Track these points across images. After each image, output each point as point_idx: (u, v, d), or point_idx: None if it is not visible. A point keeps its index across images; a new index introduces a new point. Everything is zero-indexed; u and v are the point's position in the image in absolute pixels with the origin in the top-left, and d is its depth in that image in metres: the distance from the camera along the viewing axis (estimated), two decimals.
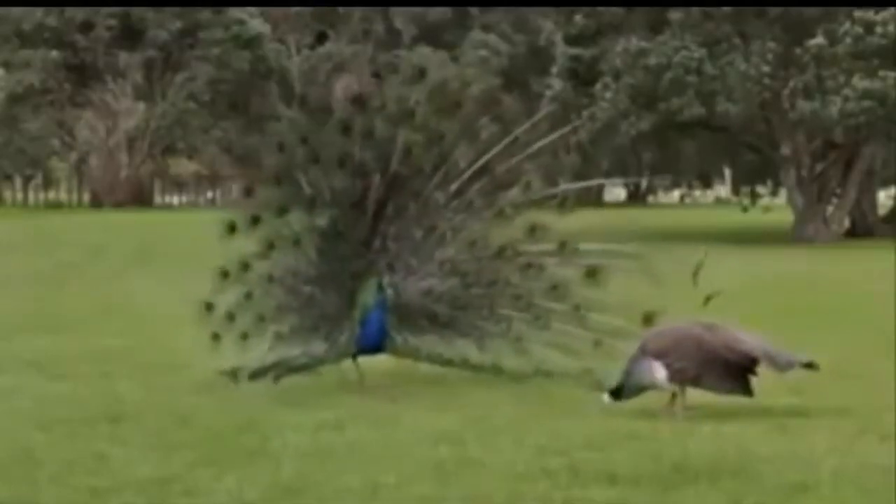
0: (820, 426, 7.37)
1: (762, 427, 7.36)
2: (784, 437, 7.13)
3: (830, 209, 35.12)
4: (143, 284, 18.22)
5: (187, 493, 5.94)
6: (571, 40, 35.68)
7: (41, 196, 77.82)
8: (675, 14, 32.18)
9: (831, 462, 6.38)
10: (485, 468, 6.37)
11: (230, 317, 9.16)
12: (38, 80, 61.34)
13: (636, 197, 76.18)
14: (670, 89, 31.48)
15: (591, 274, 9.19)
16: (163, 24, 62.93)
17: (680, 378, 7.78)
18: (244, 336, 9.17)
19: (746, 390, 7.79)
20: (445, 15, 70.64)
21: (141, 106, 62.14)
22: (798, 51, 30.91)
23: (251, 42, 64.14)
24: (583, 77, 34.46)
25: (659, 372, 7.79)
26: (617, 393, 7.89)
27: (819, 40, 30.31)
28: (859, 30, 29.95)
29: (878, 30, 29.89)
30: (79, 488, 6.04)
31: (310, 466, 6.43)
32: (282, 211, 9.31)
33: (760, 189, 63.29)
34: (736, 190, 70.71)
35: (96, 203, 62.99)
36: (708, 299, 9.70)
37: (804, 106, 30.58)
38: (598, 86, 33.05)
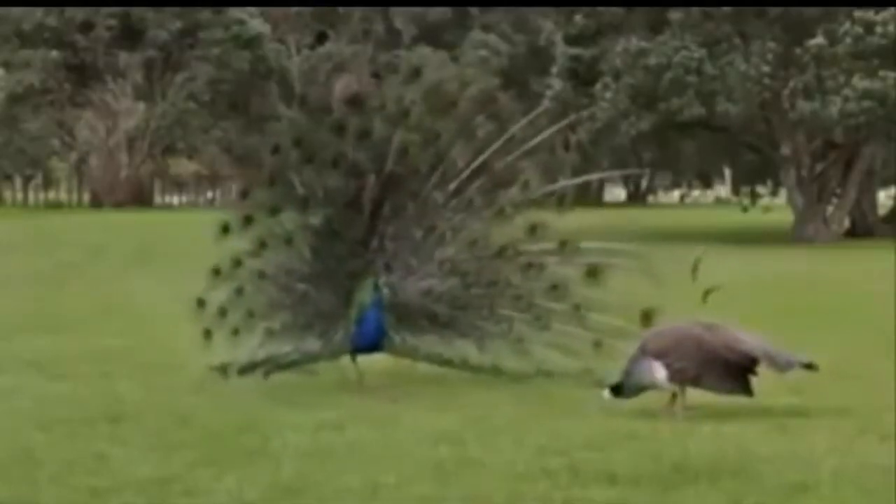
0: (820, 426, 7.37)
1: (762, 427, 7.36)
2: (784, 437, 7.13)
3: (830, 209, 35.12)
4: (143, 284, 18.21)
5: (187, 493, 5.94)
6: (571, 40, 35.69)
7: (41, 196, 77.81)
8: (675, 14, 32.18)
9: (831, 462, 6.38)
10: (485, 468, 6.37)
11: (222, 313, 9.21)
12: (38, 80, 61.34)
13: (636, 197, 76.20)
14: (670, 89, 31.48)
15: (592, 273, 9.18)
16: (163, 24, 62.93)
17: (680, 378, 7.78)
18: (235, 332, 9.21)
19: (746, 390, 7.79)
20: (445, 15, 70.65)
21: (141, 106, 62.14)
22: (798, 51, 30.91)
23: (251, 42, 64.14)
24: (583, 77, 34.46)
25: (659, 372, 7.79)
26: (617, 389, 7.90)
27: (819, 40, 30.32)
28: (859, 30, 29.95)
29: (878, 30, 29.89)
30: (79, 488, 6.04)
31: (310, 466, 6.43)
32: (274, 211, 9.35)
33: (760, 189, 63.36)
34: (736, 190, 70.77)
35: (96, 203, 62.99)
36: (707, 293, 9.70)
37: (804, 106, 30.59)
38: (598, 86, 33.05)
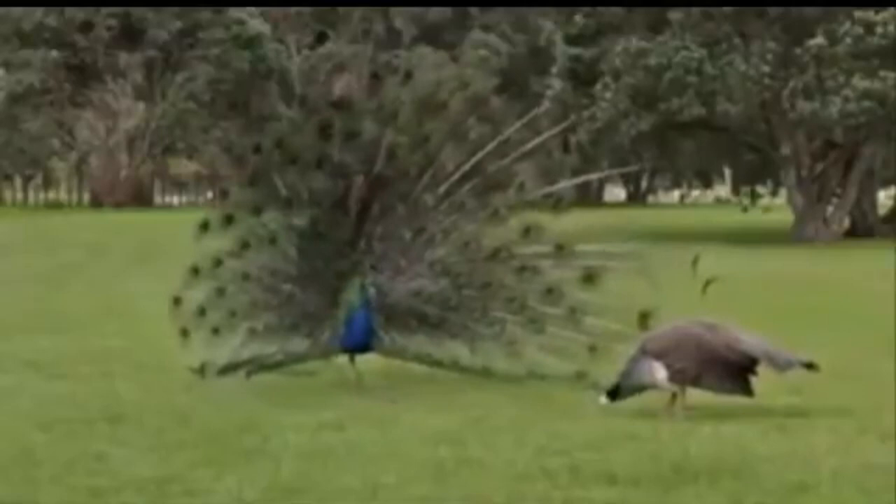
0: (820, 426, 7.37)
1: (762, 427, 7.36)
2: (784, 437, 7.13)
3: (830, 209, 35.11)
4: (142, 284, 18.20)
5: (187, 493, 5.95)
6: (571, 40, 35.69)
7: (41, 196, 77.80)
8: (675, 14, 32.18)
9: (831, 462, 6.38)
10: (485, 468, 6.37)
11: (201, 312, 9.25)
12: (38, 80, 61.30)
13: (636, 197, 76.18)
14: (670, 89, 31.48)
15: (589, 278, 9.14)
16: (163, 24, 62.90)
17: (680, 378, 7.78)
18: (215, 331, 9.24)
19: (746, 390, 7.79)
20: (445, 15, 70.60)
21: (141, 106, 62.10)
22: (798, 51, 30.90)
23: (251, 42, 64.10)
24: (583, 77, 34.46)
25: (659, 372, 7.79)
26: (614, 394, 7.90)
27: (819, 40, 30.31)
28: (859, 30, 29.95)
29: (878, 30, 29.89)
30: (79, 488, 6.04)
31: (310, 466, 6.43)
32: (256, 210, 9.38)
33: (760, 189, 63.36)
34: (736, 190, 70.76)
35: (96, 203, 62.96)
36: (707, 284, 9.68)
37: (804, 106, 30.58)
38: (598, 86, 33.05)
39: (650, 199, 79.46)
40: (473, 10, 70.25)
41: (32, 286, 18.60)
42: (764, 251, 28.56)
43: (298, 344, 9.37)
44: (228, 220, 9.37)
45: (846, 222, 36.06)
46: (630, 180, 76.80)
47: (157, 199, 74.13)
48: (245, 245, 9.35)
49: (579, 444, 6.86)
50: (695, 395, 7.86)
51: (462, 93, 9.79)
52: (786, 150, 33.84)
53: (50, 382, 9.34)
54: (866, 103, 29.61)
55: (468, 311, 9.34)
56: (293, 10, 68.59)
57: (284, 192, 9.32)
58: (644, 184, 77.51)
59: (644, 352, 7.90)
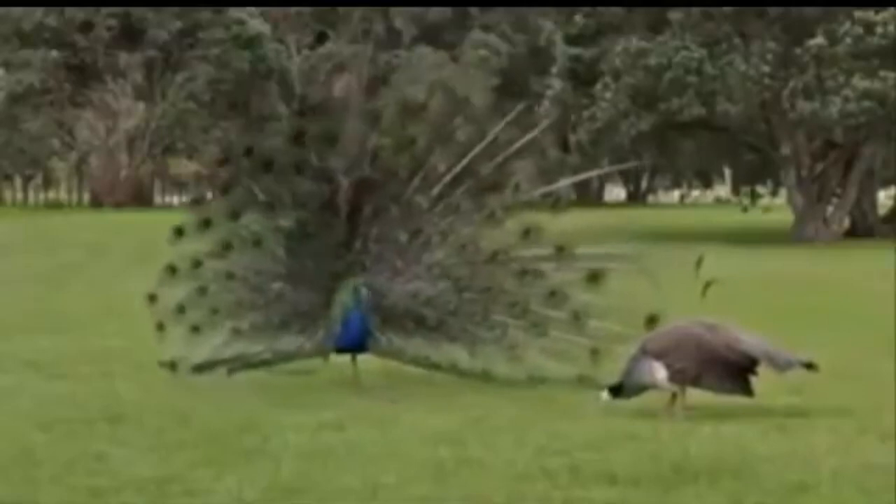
0: (820, 426, 7.37)
1: (762, 427, 7.36)
2: (784, 437, 7.13)
3: (830, 209, 35.11)
4: (142, 284, 18.17)
5: (187, 493, 5.94)
6: (571, 40, 35.69)
7: (41, 196, 77.77)
8: (675, 14, 32.18)
9: (831, 462, 6.38)
10: (485, 468, 6.37)
11: (180, 309, 9.36)
12: (38, 80, 61.27)
13: (636, 197, 76.17)
14: (670, 89, 31.48)
15: (593, 279, 9.11)
16: (163, 24, 62.87)
17: (680, 378, 7.78)
18: (195, 329, 9.34)
19: (746, 390, 7.79)
20: (445, 15, 70.56)
21: (141, 106, 62.08)
22: (798, 51, 30.90)
23: (251, 42, 64.07)
24: (583, 77, 34.46)
25: (659, 372, 7.79)
26: (616, 391, 7.89)
27: (819, 40, 30.31)
28: (859, 30, 29.95)
29: (878, 30, 29.89)
30: (79, 488, 6.04)
31: (310, 466, 6.43)
32: (234, 215, 9.46)
33: (760, 189, 63.32)
34: (736, 190, 70.70)
35: (96, 203, 62.93)
36: (707, 286, 9.67)
37: (804, 106, 30.58)
38: (598, 86, 33.04)
39: (650, 199, 79.44)
40: (473, 10, 70.21)
41: (32, 286, 18.60)
42: (764, 251, 28.55)
43: (289, 342, 9.42)
44: (206, 223, 9.46)
45: (846, 222, 36.05)
46: (630, 180, 76.79)
47: (157, 199, 74.11)
48: (227, 246, 9.42)
49: (579, 444, 6.86)
50: (695, 395, 7.86)
51: (447, 94, 9.83)
52: (786, 150, 33.84)
53: (50, 382, 9.34)
54: (866, 103, 29.61)
55: (468, 315, 9.30)
56: (293, 10, 68.56)
57: (262, 196, 9.40)
58: (644, 184, 77.49)
59: (644, 352, 7.90)
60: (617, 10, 34.14)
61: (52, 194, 78.02)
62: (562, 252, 9.23)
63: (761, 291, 17.28)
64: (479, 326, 9.28)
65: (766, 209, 46.39)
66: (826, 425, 7.39)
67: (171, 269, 9.49)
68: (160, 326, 9.43)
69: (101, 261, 24.93)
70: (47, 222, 42.02)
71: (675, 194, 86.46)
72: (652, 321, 8.65)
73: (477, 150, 9.39)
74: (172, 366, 9.28)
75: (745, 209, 46.58)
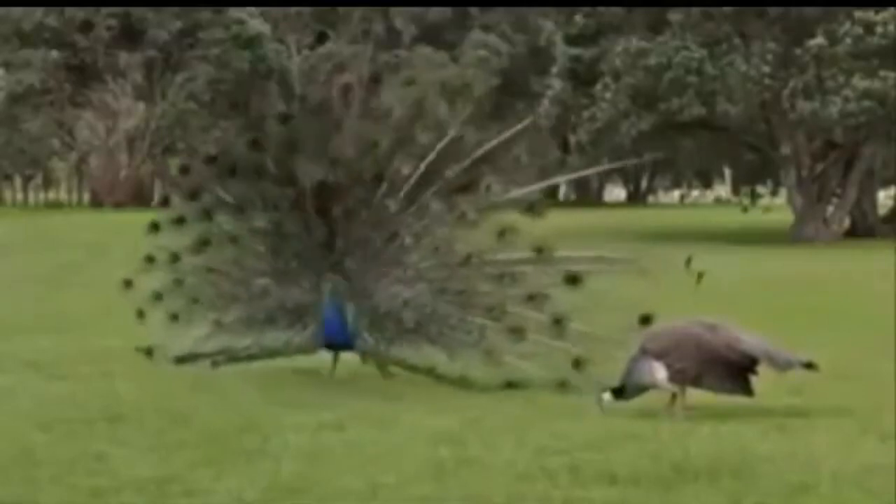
0: (820, 426, 7.37)
1: (762, 427, 7.36)
2: (784, 437, 7.13)
3: (830, 209, 35.10)
4: (143, 284, 18.17)
5: (187, 493, 5.94)
6: (571, 40, 35.68)
7: (41, 196, 77.75)
8: (675, 14, 32.18)
9: (831, 462, 6.38)
10: (485, 468, 6.36)
11: (157, 297, 9.69)
12: (38, 80, 61.25)
13: (636, 197, 76.17)
14: (670, 89, 31.48)
15: (571, 281, 9.02)
16: (163, 24, 62.86)
17: (681, 378, 7.78)
18: (174, 317, 9.63)
19: (746, 390, 7.79)
20: (445, 15, 70.54)
21: (141, 106, 62.08)
22: (798, 51, 30.90)
23: (251, 42, 64.06)
24: (583, 77, 34.45)
25: (659, 372, 7.79)
26: (618, 392, 7.88)
27: (819, 40, 30.31)
28: (859, 30, 29.95)
29: (878, 30, 29.89)
30: (79, 488, 6.04)
31: (310, 466, 6.43)
32: (206, 215, 9.65)
33: (760, 189, 63.33)
34: (736, 190, 70.72)
35: (96, 203, 62.93)
36: (700, 277, 9.60)
37: (804, 106, 30.57)
38: (598, 86, 33.04)
39: (650, 199, 79.45)
40: (473, 10, 70.18)
41: (32, 286, 18.59)
42: (764, 251, 28.55)
43: (276, 338, 9.53)
44: (179, 221, 9.69)
45: (846, 222, 36.05)
46: (630, 180, 76.79)
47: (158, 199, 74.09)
48: (205, 242, 9.64)
49: (579, 444, 6.85)
50: (695, 395, 7.86)
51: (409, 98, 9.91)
52: (786, 150, 33.83)
53: (50, 382, 9.34)
54: (866, 103, 29.61)
55: (444, 318, 9.25)
56: (293, 10, 68.56)
57: (230, 199, 9.57)
58: (644, 184, 77.49)
59: (644, 352, 7.90)
60: (617, 10, 34.13)
61: (52, 194, 78.01)
62: (541, 254, 9.09)
63: (761, 291, 17.28)
64: (456, 329, 9.22)
65: (766, 209, 46.42)
66: (826, 425, 7.39)
67: (149, 259, 9.79)
68: (140, 314, 9.74)
69: (101, 261, 24.91)
70: (47, 222, 42.01)
71: (675, 194, 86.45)
72: (646, 320, 8.63)
73: (435, 151, 9.33)
74: (149, 352, 9.60)
75: (745, 209, 46.61)
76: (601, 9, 34.41)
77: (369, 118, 9.55)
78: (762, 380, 7.84)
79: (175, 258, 9.68)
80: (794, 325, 11.93)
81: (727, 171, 69.86)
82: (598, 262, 9.14)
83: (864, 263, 23.83)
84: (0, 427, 7.59)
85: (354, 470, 6.31)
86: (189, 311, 9.63)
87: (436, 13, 70.29)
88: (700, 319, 8.07)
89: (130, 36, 62.56)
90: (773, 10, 31.67)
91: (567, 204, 68.41)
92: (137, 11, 62.40)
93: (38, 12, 61.51)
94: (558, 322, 8.96)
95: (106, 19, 62.30)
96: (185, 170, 10.04)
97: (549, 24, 53.58)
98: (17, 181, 75.04)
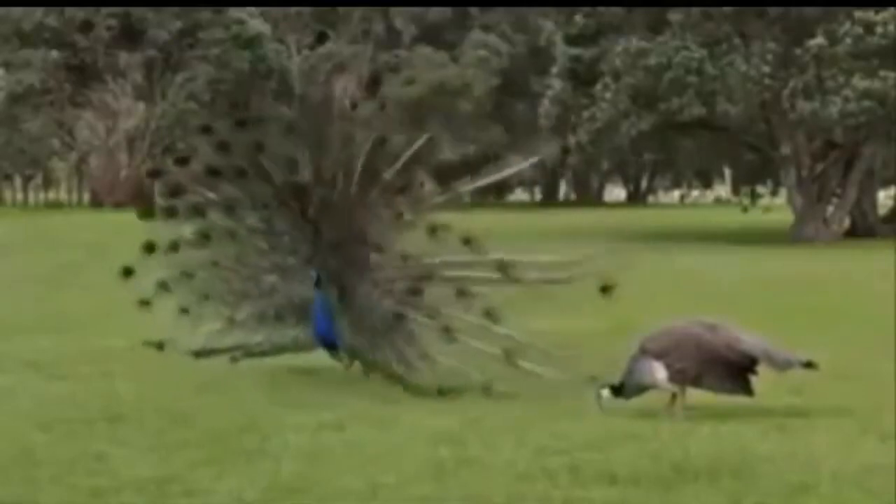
0: (820, 426, 7.37)
1: (762, 427, 7.36)
2: (784, 437, 7.13)
3: (830, 209, 35.09)
4: (142, 284, 18.16)
5: (187, 493, 5.95)
6: (571, 40, 35.66)
7: (41, 196, 77.76)
8: (675, 14, 32.16)
9: (831, 462, 6.38)
10: (485, 468, 6.37)
11: (163, 286, 9.73)
12: (38, 80, 61.27)
13: (636, 197, 76.21)
14: (670, 89, 31.46)
15: (461, 293, 8.95)
16: (163, 24, 62.88)
17: (681, 378, 7.78)
18: (184, 311, 9.68)
19: (746, 390, 7.79)
20: (445, 15, 70.54)
21: (141, 106, 62.09)
22: (798, 51, 30.89)
23: (251, 42, 64.07)
24: (583, 77, 34.44)
25: (659, 372, 7.79)
26: (617, 390, 7.88)
27: (819, 40, 30.29)
28: (859, 30, 29.93)
29: (878, 30, 29.87)
30: (79, 488, 6.04)
31: (310, 466, 6.43)
32: (197, 212, 9.75)
33: (760, 189, 63.30)
34: (736, 190, 70.69)
35: (96, 203, 62.94)
36: (608, 289, 9.18)
37: (804, 106, 30.56)
38: (598, 86, 33.03)
39: (650, 199, 79.48)
40: (473, 10, 70.18)
41: (32, 286, 18.59)
42: (764, 251, 28.55)
43: (284, 334, 9.67)
44: (170, 213, 9.84)
45: (846, 222, 36.03)
46: (630, 180, 76.82)
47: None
48: (206, 236, 9.71)
49: (579, 444, 6.85)
50: (695, 395, 7.86)
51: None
52: (786, 150, 33.82)
53: (50, 382, 9.34)
54: (866, 103, 29.59)
55: (383, 318, 9.18)
56: (293, 10, 68.56)
57: (216, 198, 9.67)
58: (644, 184, 77.51)
59: (644, 352, 7.90)
60: (617, 10, 34.11)
61: (52, 194, 78.02)
62: (469, 244, 8.99)
63: (761, 291, 17.28)
64: (392, 330, 9.16)
65: (766, 209, 46.41)
66: (826, 425, 7.39)
67: (149, 247, 9.82)
68: (144, 303, 9.78)
69: (101, 261, 24.89)
70: (47, 222, 42.01)
71: (675, 194, 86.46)
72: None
73: (364, 151, 9.28)
74: (160, 346, 9.67)
75: (745, 209, 46.61)
76: (601, 9, 34.38)
77: (345, 119, 9.60)
78: (762, 380, 7.84)
79: (174, 246, 9.70)
80: (794, 325, 11.93)
81: (727, 171, 69.84)
82: (552, 268, 9.03)
83: (864, 263, 23.82)
84: (0, 427, 7.59)
85: (354, 470, 6.31)
86: (199, 306, 9.67)
87: (436, 13, 70.29)
88: (700, 319, 8.07)
89: (130, 36, 62.57)
90: (773, 10, 31.65)
91: (567, 204, 68.45)
92: (137, 11, 62.41)
93: (38, 12, 61.52)
94: (489, 315, 8.86)
95: (106, 19, 62.30)
96: (154, 174, 10.18)
97: (549, 24, 53.64)
98: (17, 181, 75.06)
